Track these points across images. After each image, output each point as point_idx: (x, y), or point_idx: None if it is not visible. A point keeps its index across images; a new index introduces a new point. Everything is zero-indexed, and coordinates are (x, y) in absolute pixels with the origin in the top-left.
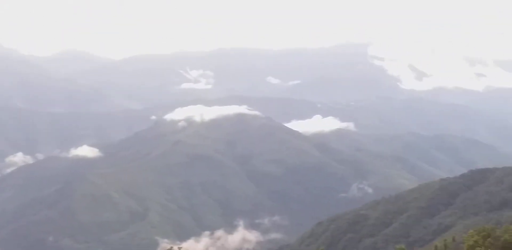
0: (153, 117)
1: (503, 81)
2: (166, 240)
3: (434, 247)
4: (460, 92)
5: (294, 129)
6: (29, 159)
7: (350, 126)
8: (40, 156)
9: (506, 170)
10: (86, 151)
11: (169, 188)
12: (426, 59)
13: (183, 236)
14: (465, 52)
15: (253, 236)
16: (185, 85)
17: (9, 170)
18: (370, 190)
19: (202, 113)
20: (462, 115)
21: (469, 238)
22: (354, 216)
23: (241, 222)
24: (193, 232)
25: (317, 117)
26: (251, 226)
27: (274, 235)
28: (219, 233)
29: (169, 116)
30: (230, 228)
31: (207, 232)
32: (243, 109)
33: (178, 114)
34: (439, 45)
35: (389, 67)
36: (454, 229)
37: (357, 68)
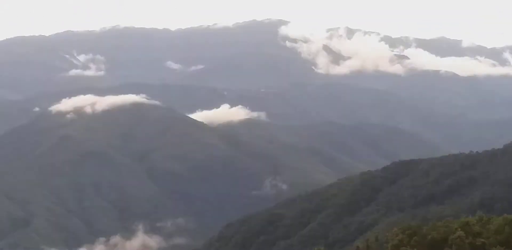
0: (36, 109)
1: (426, 64)
2: (54, 249)
3: (355, 247)
4: (380, 76)
5: (199, 120)
6: None
7: (261, 115)
8: None
9: (431, 161)
10: None
11: (56, 190)
12: (343, 40)
13: (74, 244)
14: (386, 32)
15: (154, 241)
16: (72, 72)
17: None
18: (284, 187)
19: (94, 103)
20: (383, 102)
21: (394, 237)
22: (267, 216)
23: (140, 226)
24: (85, 239)
25: (225, 106)
26: (152, 230)
27: (178, 240)
28: (116, 239)
29: (54, 108)
30: (128, 233)
31: (101, 239)
32: (140, 98)
33: (65, 106)
34: (357, 25)
35: (303, 50)
36: (377, 227)
37: (267, 50)
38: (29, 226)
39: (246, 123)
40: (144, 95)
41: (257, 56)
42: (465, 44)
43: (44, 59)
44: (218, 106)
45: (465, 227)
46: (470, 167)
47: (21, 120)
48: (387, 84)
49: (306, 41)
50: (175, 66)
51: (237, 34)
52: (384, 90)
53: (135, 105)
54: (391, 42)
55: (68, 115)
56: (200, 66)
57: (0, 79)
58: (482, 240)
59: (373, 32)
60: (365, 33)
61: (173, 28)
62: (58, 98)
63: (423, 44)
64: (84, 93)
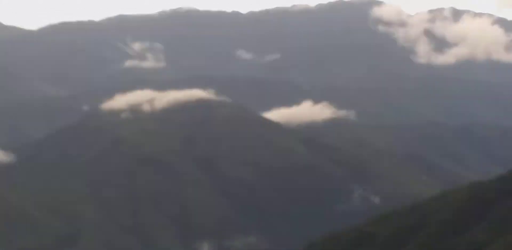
0: (85, 107)
1: None
2: None
3: None
4: (494, 67)
5: (275, 119)
6: None
7: (350, 114)
8: None
9: None
10: None
11: (107, 202)
12: (448, 24)
13: None
14: (500, 13)
15: None
16: (127, 64)
17: None
18: (377, 199)
19: (152, 100)
20: (497, 98)
21: None
22: (357, 234)
23: (205, 245)
24: None
25: (306, 103)
26: (218, 249)
27: None
28: None
29: (106, 106)
30: None
31: None
32: (207, 94)
33: (119, 103)
34: (465, 5)
35: (399, 35)
36: (491, 249)
37: (356, 36)
38: (76, 244)
39: (331, 124)
40: (210, 91)
41: (344, 44)
42: None
43: (94, 48)
44: (298, 104)
45: None
46: None
47: (67, 120)
48: (502, 76)
49: (403, 25)
50: (246, 56)
51: (320, 18)
52: (499, 83)
53: (201, 103)
54: (507, 25)
55: (122, 115)
56: (276, 56)
57: (43, 73)
58: None
59: (485, 13)
60: (475, 15)
61: (244, 11)
62: (110, 95)
63: None
64: (141, 88)
